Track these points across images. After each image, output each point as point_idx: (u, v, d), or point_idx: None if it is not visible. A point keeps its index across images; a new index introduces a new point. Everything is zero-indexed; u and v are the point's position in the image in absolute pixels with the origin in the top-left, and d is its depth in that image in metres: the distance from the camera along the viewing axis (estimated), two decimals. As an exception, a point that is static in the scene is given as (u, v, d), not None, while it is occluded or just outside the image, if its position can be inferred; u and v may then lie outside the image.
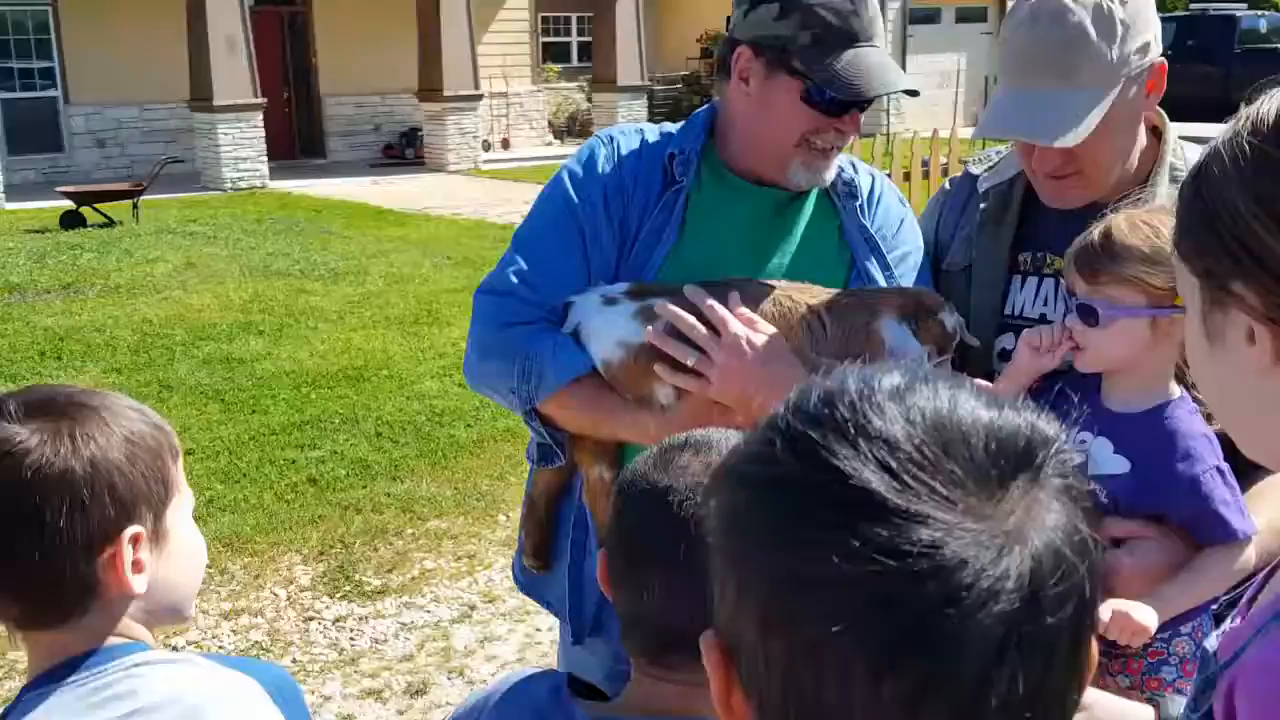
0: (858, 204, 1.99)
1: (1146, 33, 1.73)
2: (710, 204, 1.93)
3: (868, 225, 1.97)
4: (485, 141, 20.92)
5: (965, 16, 25.82)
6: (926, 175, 10.36)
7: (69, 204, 13.16)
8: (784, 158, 1.89)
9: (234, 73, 16.52)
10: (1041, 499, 0.67)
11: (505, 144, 22.43)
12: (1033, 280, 1.93)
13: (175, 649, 3.77)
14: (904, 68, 12.06)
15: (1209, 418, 1.62)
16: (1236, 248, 0.88)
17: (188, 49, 16.65)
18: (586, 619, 2.01)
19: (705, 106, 2.05)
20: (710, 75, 25.60)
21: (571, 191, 1.93)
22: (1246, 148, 0.88)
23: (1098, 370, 1.73)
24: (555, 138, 23.75)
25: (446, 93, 18.92)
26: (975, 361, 1.95)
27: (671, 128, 2.01)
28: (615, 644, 2.01)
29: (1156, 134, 1.88)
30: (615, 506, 1.20)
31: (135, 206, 13.25)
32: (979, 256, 1.97)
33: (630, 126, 2.03)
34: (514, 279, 1.91)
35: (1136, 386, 1.69)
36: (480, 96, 19.73)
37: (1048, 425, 0.70)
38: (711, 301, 1.77)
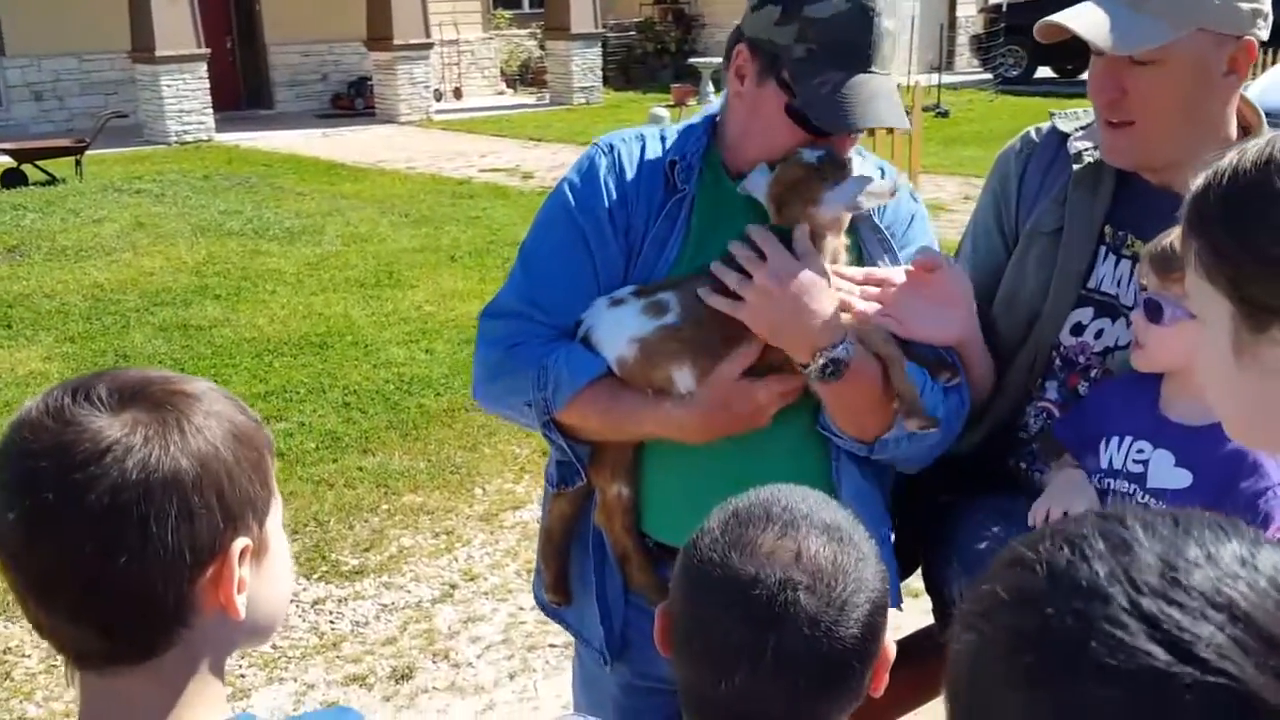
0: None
1: (1244, 0, 1.67)
2: (715, 209, 1.85)
3: (878, 222, 1.90)
4: (437, 91, 20.56)
5: (919, -39, 25.67)
6: (891, 130, 10.27)
7: (9, 161, 12.74)
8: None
9: (176, 21, 16.05)
10: None
11: (457, 94, 22.06)
12: (1113, 257, 1.87)
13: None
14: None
15: None
16: None
17: (127, -3, 16.17)
18: (615, 643, 1.95)
19: (708, 106, 1.96)
20: (663, 21, 25.33)
21: (574, 206, 1.86)
22: None
23: (1154, 370, 1.70)
24: (508, 86, 23.41)
25: (397, 41, 18.52)
26: (1044, 329, 1.89)
27: (672, 133, 1.93)
28: (635, 663, 1.96)
29: (1247, 134, 1.81)
30: (686, 585, 1.12)
31: (78, 163, 12.86)
32: (1071, 219, 1.89)
33: (630, 133, 1.94)
34: (522, 303, 1.85)
35: (1197, 397, 1.64)
36: (431, 45, 19.36)
37: None
38: (768, 237, 1.72)
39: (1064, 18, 1.73)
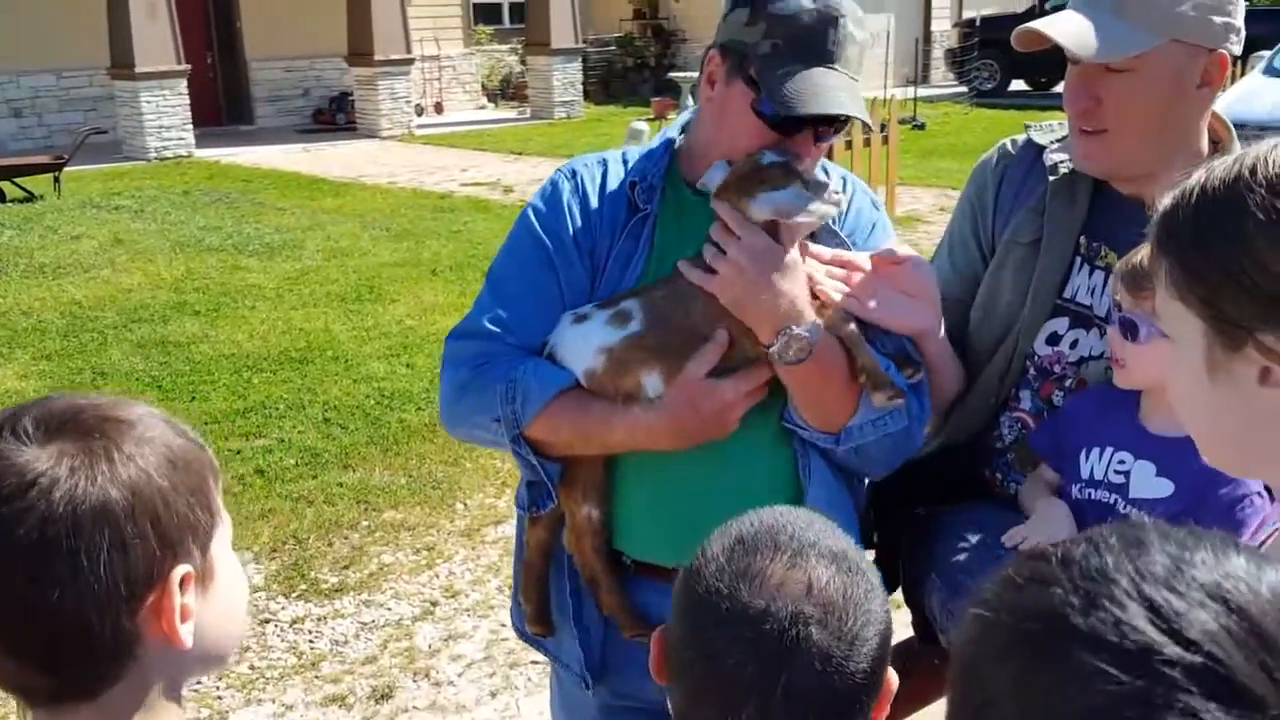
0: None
1: (1217, 13, 1.70)
2: (678, 227, 1.86)
3: (838, 230, 1.89)
4: (418, 106, 20.55)
5: (896, -24, 25.83)
6: (867, 142, 10.32)
7: (-14, 178, 12.69)
8: None
9: (156, 37, 15.99)
10: None
11: (438, 108, 22.05)
12: (1086, 269, 1.88)
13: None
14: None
15: None
16: (1266, 302, 0.92)
17: (107, 13, 16.06)
18: (595, 666, 1.94)
19: (669, 127, 1.98)
20: (643, 36, 25.40)
21: (540, 230, 1.86)
22: (1272, 205, 0.91)
23: (1136, 388, 1.71)
24: (489, 101, 23.41)
25: (377, 56, 18.50)
26: (1020, 339, 1.90)
27: (633, 156, 1.94)
28: (614, 683, 1.94)
29: (1218, 147, 1.83)
30: (689, 615, 1.09)
31: (57, 180, 12.78)
32: (1050, 229, 1.90)
33: (592, 157, 1.95)
34: (490, 325, 1.84)
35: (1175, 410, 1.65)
36: (412, 60, 19.34)
37: None
38: (744, 220, 1.73)
39: (1042, 25, 1.74)
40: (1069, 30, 1.71)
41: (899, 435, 1.79)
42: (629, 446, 1.81)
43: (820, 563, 1.06)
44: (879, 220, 1.96)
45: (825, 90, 1.71)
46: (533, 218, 1.89)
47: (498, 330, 1.84)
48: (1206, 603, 0.64)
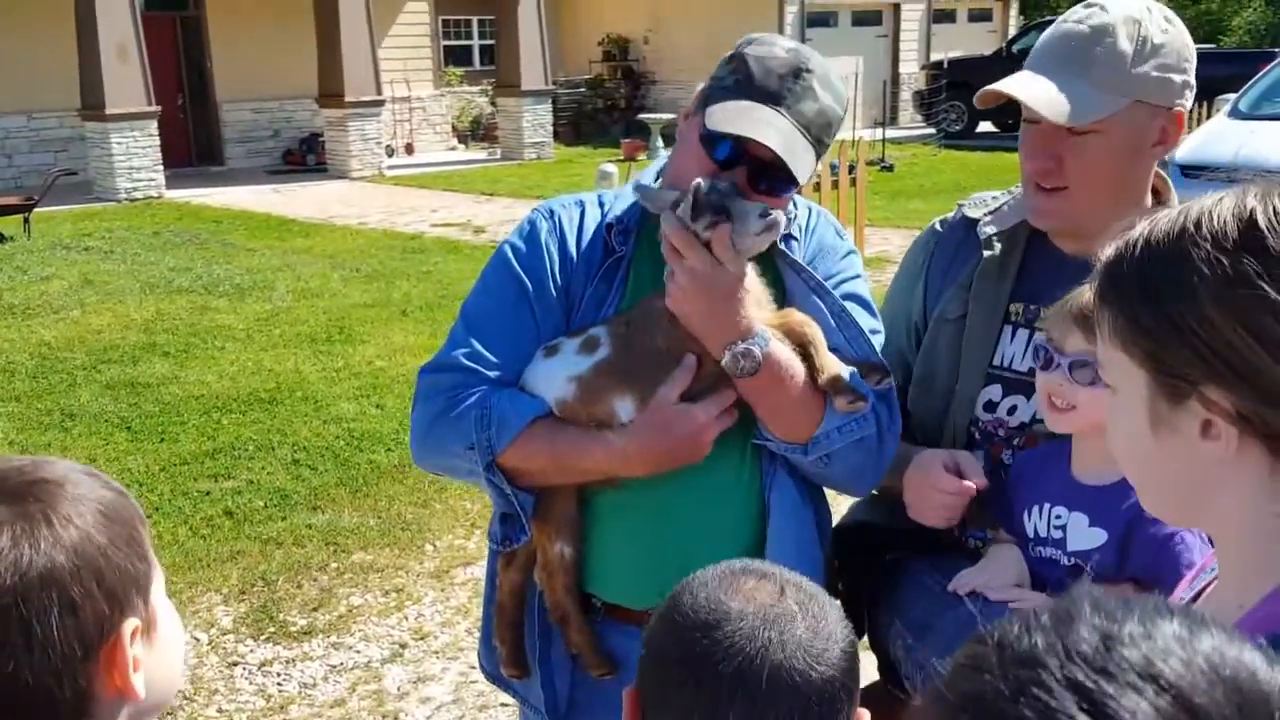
0: (792, 239, 1.93)
1: (1176, 72, 1.75)
2: (651, 269, 1.88)
3: (799, 259, 1.91)
4: (389, 147, 20.62)
5: (861, 20, 26.19)
6: (836, 184, 10.43)
7: (-45, 219, 12.63)
8: None
9: (126, 79, 16.01)
10: None
11: (409, 149, 22.13)
12: (1023, 333, 1.92)
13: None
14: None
15: None
16: (1212, 357, 0.93)
17: (78, 54, 16.08)
18: (560, 706, 1.95)
19: (644, 171, 2.01)
20: (613, 78, 25.60)
21: (518, 267, 1.89)
22: (1217, 261, 0.92)
23: (1081, 431, 1.73)
24: (460, 142, 23.51)
25: (348, 98, 18.57)
26: (958, 410, 1.94)
27: (609, 199, 1.97)
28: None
29: (1159, 198, 1.88)
30: (664, 645, 1.12)
31: (27, 221, 12.74)
32: (975, 307, 1.95)
33: (570, 199, 1.98)
34: (465, 359, 1.85)
35: (1108, 457, 1.69)
36: (382, 101, 19.42)
37: None
38: (688, 239, 1.71)
39: (1010, 87, 1.77)
40: (1038, 95, 1.74)
41: (869, 443, 1.80)
42: (604, 473, 1.82)
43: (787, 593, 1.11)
44: (841, 247, 1.97)
45: (752, 119, 1.74)
46: (510, 255, 1.91)
47: (473, 366, 1.84)
48: (1139, 684, 0.62)
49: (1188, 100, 1.78)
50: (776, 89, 1.77)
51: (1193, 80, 1.78)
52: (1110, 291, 1.00)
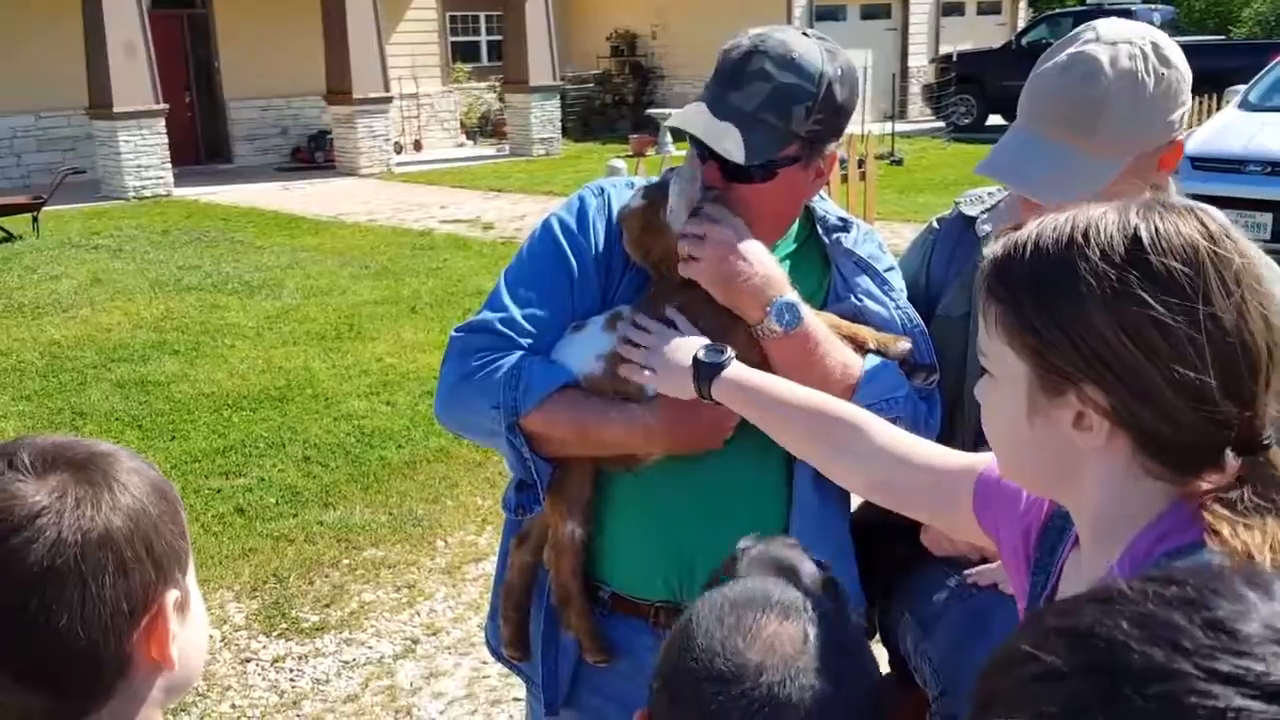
0: (845, 235, 1.97)
1: (1174, 110, 1.69)
2: None
3: (854, 249, 1.94)
4: (397, 144, 20.63)
5: (870, 14, 26.11)
6: (845, 178, 10.42)
7: (-36, 218, 12.66)
8: None
9: (134, 78, 16.03)
10: None
11: (417, 146, 22.14)
12: None
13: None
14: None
15: None
16: (1094, 360, 1.01)
17: (85, 53, 16.11)
18: (561, 690, 1.96)
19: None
20: (621, 73, 25.58)
21: (563, 240, 1.89)
22: (1105, 273, 0.99)
23: None
24: (468, 138, 23.53)
25: (356, 95, 18.57)
26: (967, 408, 1.93)
27: (658, 182, 1.97)
28: (585, 710, 1.97)
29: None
30: (678, 687, 1.07)
31: (35, 219, 12.77)
32: (978, 304, 1.93)
33: (621, 180, 1.99)
34: (500, 325, 1.86)
35: None
36: (390, 98, 19.43)
37: None
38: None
39: (1006, 175, 1.73)
40: (1043, 183, 1.67)
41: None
42: (624, 447, 1.83)
43: (807, 623, 1.06)
44: (885, 260, 1.99)
45: (686, 110, 1.82)
46: (557, 229, 1.91)
47: (506, 331, 1.85)
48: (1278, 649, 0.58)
49: (1184, 122, 1.73)
50: (729, 76, 1.80)
51: (1186, 97, 1.72)
52: (1000, 289, 1.08)
